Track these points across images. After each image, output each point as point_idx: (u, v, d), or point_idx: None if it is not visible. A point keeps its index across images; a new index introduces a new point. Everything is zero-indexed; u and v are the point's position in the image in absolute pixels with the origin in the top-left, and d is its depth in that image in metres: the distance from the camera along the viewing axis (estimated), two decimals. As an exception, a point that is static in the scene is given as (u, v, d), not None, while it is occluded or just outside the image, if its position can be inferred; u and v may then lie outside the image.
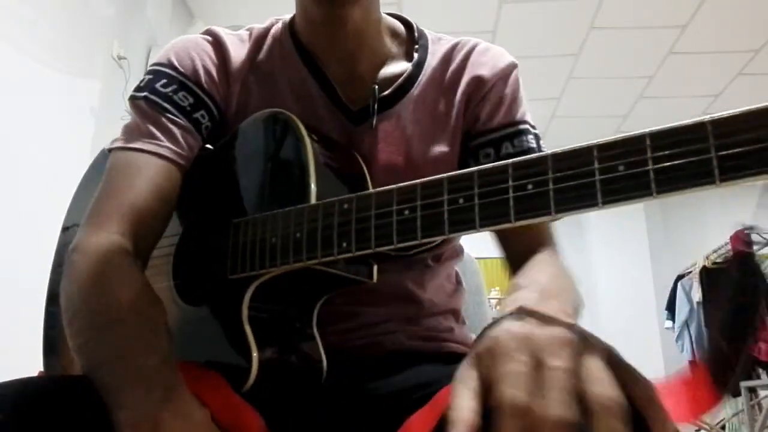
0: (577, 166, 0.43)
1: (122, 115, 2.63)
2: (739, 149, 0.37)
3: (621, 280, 5.66)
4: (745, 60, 4.06)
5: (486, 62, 0.77)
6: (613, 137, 0.42)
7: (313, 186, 0.61)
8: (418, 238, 0.50)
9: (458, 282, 0.86)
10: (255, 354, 0.60)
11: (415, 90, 0.76)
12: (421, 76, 0.77)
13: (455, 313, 0.83)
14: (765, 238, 4.21)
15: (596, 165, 0.42)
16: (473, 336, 0.84)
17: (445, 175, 0.50)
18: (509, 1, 3.42)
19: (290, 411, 0.64)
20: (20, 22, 2.12)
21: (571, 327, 0.42)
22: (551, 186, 0.44)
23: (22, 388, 0.52)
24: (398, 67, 0.78)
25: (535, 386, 0.38)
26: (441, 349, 0.76)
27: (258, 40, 0.79)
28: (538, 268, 0.60)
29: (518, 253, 0.71)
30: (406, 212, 0.51)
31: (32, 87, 2.17)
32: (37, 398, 0.51)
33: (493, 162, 0.72)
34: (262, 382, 0.60)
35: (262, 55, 0.78)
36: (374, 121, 0.75)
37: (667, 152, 0.40)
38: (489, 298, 4.84)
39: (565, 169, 0.44)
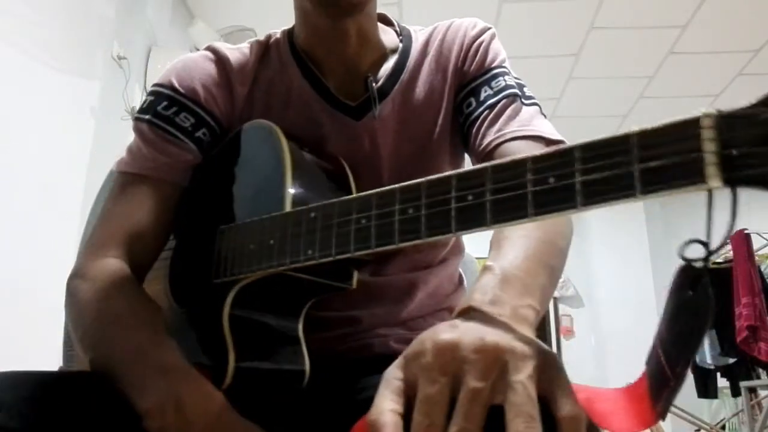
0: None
1: (122, 115, 2.63)
2: (661, 162, 0.38)
3: (621, 280, 5.65)
4: (745, 60, 4.06)
5: (462, 33, 0.82)
6: (547, 150, 0.43)
7: (288, 193, 0.64)
8: (372, 247, 0.52)
9: (460, 282, 0.87)
10: (232, 355, 0.62)
11: (405, 75, 0.80)
12: (408, 62, 0.81)
13: (452, 312, 0.82)
14: (765, 238, 4.22)
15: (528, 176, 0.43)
16: None
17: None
18: (509, 1, 3.42)
19: (268, 413, 0.65)
20: (20, 22, 2.12)
21: (509, 332, 0.42)
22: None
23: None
24: (391, 58, 0.82)
25: (446, 410, 0.39)
26: None
27: (259, 53, 0.81)
28: (511, 242, 0.58)
29: None
30: (363, 221, 0.53)
31: (32, 87, 2.17)
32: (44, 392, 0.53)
33: (474, 110, 0.77)
34: (240, 383, 0.61)
35: (261, 68, 0.81)
36: (377, 111, 0.77)
37: (592, 165, 0.40)
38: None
39: (503, 180, 0.45)
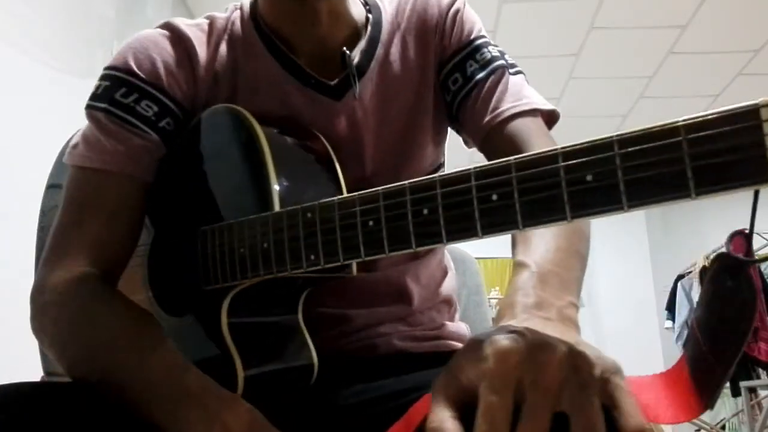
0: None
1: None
2: (717, 159, 0.34)
3: (621, 280, 5.66)
4: (745, 60, 4.06)
5: (434, 2, 0.78)
6: (581, 143, 0.39)
7: (275, 189, 0.59)
8: (386, 251, 0.47)
9: (446, 266, 0.84)
10: (239, 366, 0.59)
11: (380, 50, 0.75)
12: (381, 35, 0.76)
13: (448, 302, 0.82)
14: (765, 238, 4.22)
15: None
16: (465, 325, 0.83)
17: (407, 182, 0.47)
18: (509, 1, 3.42)
19: (278, 415, 0.64)
20: (20, 22, 2.12)
21: (569, 341, 0.41)
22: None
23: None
24: (363, 32, 0.77)
25: (510, 418, 0.38)
26: (433, 349, 0.75)
27: (218, 31, 0.75)
28: (538, 233, 0.56)
29: None
30: (371, 223, 0.49)
31: (32, 87, 2.17)
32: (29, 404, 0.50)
33: (462, 87, 0.73)
34: (251, 391, 0.58)
35: (223, 46, 0.74)
36: (357, 89, 0.72)
37: (636, 162, 0.37)
38: (489, 298, 4.84)
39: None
